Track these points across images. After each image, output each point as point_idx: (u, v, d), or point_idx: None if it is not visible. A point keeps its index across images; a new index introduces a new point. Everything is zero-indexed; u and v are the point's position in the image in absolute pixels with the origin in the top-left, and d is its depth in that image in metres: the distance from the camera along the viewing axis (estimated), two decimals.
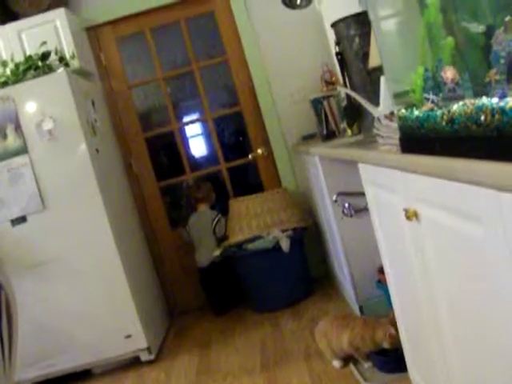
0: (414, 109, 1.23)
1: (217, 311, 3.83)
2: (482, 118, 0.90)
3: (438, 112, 1.08)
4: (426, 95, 1.16)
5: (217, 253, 3.73)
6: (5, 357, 1.42)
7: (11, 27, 3.50)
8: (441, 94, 1.11)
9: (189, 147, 4.76)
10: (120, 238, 3.25)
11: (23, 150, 3.10)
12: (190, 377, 2.95)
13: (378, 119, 1.60)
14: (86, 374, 3.31)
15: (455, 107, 1.00)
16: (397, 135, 1.36)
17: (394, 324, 2.12)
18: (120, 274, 3.17)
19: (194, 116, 4.74)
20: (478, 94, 0.97)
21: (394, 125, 1.43)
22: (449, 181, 1.05)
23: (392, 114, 1.50)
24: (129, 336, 3.21)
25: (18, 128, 3.09)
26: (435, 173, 1.08)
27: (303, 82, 3.88)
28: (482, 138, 0.91)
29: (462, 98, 1.02)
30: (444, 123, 1.05)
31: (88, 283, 3.17)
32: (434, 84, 1.13)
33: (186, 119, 4.83)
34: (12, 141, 3.10)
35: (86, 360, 3.24)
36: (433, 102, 1.13)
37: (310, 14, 3.82)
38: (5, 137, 3.09)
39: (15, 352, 1.51)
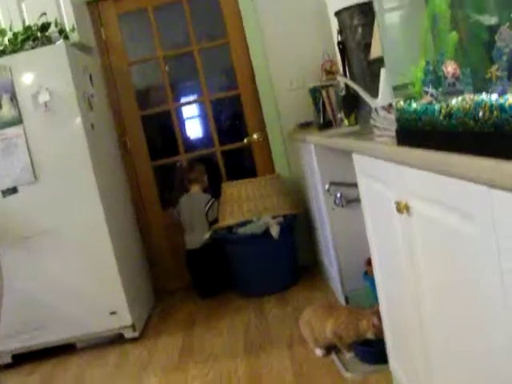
0: (413, 101, 1.22)
1: (203, 294, 3.84)
2: (481, 113, 0.89)
3: (437, 106, 1.08)
4: (425, 88, 1.16)
5: (207, 236, 3.73)
6: None
7: None
8: (440, 88, 1.10)
9: (184, 128, 4.73)
10: (110, 214, 3.24)
11: (18, 121, 3.08)
12: (172, 356, 2.96)
13: (376, 110, 1.60)
14: (70, 347, 3.31)
15: (454, 102, 1.00)
16: (394, 127, 1.36)
17: (377, 315, 2.13)
18: (108, 250, 3.17)
19: (192, 97, 4.71)
20: (478, 90, 0.97)
21: (392, 116, 1.43)
22: (442, 175, 1.05)
23: (390, 105, 1.50)
24: (114, 312, 3.21)
25: (13, 98, 3.07)
26: (429, 167, 1.08)
27: (303, 69, 3.86)
28: (478, 134, 0.91)
29: (461, 93, 1.02)
30: (442, 117, 1.04)
31: (76, 258, 3.17)
32: (435, 78, 1.13)
33: (183, 100, 4.80)
34: (7, 111, 3.07)
35: (69, 334, 3.25)
36: (432, 95, 1.12)
37: (314, 1, 3.80)
38: (0, 106, 3.06)
39: None
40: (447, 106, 1.02)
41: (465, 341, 1.17)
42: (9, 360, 3.24)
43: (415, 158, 1.15)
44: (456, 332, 1.22)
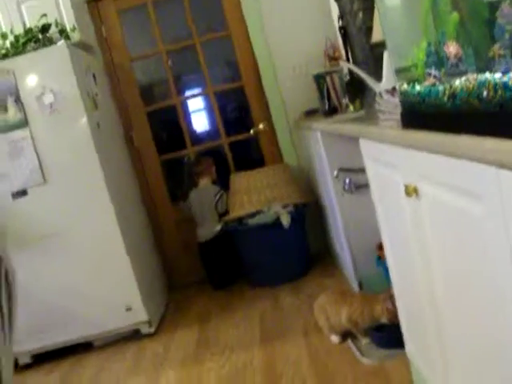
0: (416, 84, 1.21)
1: (216, 286, 3.85)
2: (485, 93, 0.88)
3: (440, 87, 1.07)
4: (428, 70, 1.14)
5: (217, 228, 3.74)
6: (5, 329, 1.43)
7: None
8: (443, 70, 1.09)
9: (190, 121, 4.74)
10: (120, 211, 3.25)
11: (24, 124, 3.09)
12: (188, 350, 2.98)
13: (380, 94, 1.59)
14: (87, 346, 3.34)
15: (457, 82, 0.99)
16: (398, 110, 1.35)
17: (391, 299, 2.13)
18: (120, 247, 3.18)
19: (196, 90, 4.70)
20: (481, 70, 0.96)
21: (396, 100, 1.42)
22: (449, 157, 1.04)
23: (394, 89, 1.49)
24: (129, 309, 3.23)
25: (18, 101, 3.08)
26: (436, 149, 1.07)
27: (306, 56, 3.84)
28: (483, 114, 0.90)
29: (464, 73, 1.00)
30: (446, 98, 1.03)
31: (88, 257, 3.19)
32: (437, 59, 1.11)
33: (187, 93, 4.80)
34: (12, 114, 3.08)
35: (86, 333, 3.27)
36: (435, 77, 1.11)
37: None
38: (5, 109, 3.08)
39: (14, 324, 1.52)
40: (451, 86, 1.01)
41: (478, 320, 1.17)
42: (28, 360, 3.27)
43: (421, 141, 1.14)
44: (469, 312, 1.22)
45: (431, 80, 1.14)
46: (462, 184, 1.03)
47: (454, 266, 1.24)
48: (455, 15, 1.03)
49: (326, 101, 3.28)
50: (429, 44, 1.14)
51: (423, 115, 1.17)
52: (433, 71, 1.12)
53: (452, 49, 1.02)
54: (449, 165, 1.07)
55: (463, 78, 0.98)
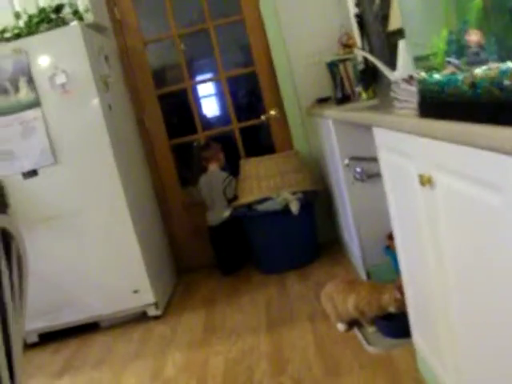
0: (435, 72, 1.20)
1: (225, 270, 3.87)
2: (506, 82, 0.87)
3: (460, 76, 1.05)
4: (448, 59, 1.13)
5: (226, 214, 3.74)
6: (16, 307, 1.44)
7: None
8: (464, 58, 1.08)
9: (201, 106, 4.72)
10: (130, 194, 3.26)
11: (36, 104, 3.09)
12: (195, 333, 3.00)
13: (397, 83, 1.57)
14: (94, 326, 3.37)
15: (478, 71, 0.98)
16: (415, 99, 1.34)
17: (400, 288, 2.13)
18: (129, 229, 3.19)
19: (208, 75, 4.69)
20: (503, 59, 0.95)
21: (413, 88, 1.40)
22: (467, 146, 1.03)
23: (411, 77, 1.47)
24: (137, 291, 3.25)
25: (30, 81, 3.08)
26: (454, 138, 1.06)
27: (319, 43, 3.81)
28: (504, 104, 0.89)
29: (486, 62, 0.99)
30: (466, 87, 1.02)
31: (97, 238, 3.21)
32: (457, 47, 1.10)
33: (199, 78, 4.78)
34: (24, 94, 3.09)
35: (94, 313, 3.30)
36: (455, 65, 1.10)
37: None
38: (17, 90, 3.08)
39: (25, 302, 1.53)
40: (471, 75, 1.00)
41: (489, 313, 1.16)
42: (35, 339, 3.30)
43: (439, 130, 1.13)
44: (480, 304, 1.21)
45: (451, 69, 1.12)
46: (481, 174, 1.03)
47: (467, 257, 1.23)
48: (478, 2, 1.01)
49: (339, 88, 3.26)
50: (449, 32, 1.13)
51: (441, 104, 1.16)
52: (453, 60, 1.11)
53: (474, 37, 1.01)
54: (467, 154, 1.06)
55: (484, 67, 0.97)
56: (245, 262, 3.90)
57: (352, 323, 2.54)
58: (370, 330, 2.45)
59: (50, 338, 3.31)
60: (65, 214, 3.18)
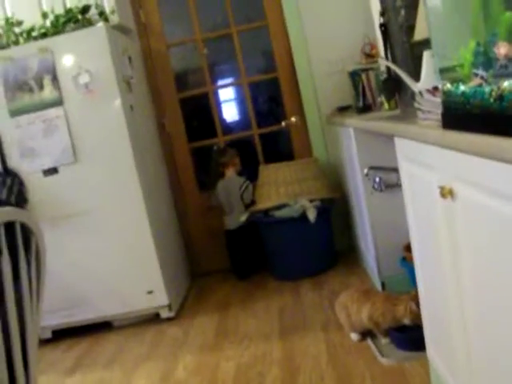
0: (461, 84, 1.19)
1: (240, 275, 3.86)
2: None
3: (487, 88, 1.05)
4: (475, 71, 1.12)
5: (243, 218, 3.74)
6: (33, 302, 1.45)
7: None
8: (491, 70, 1.07)
9: (222, 110, 4.73)
10: (148, 195, 3.27)
11: (59, 102, 3.12)
12: (207, 337, 3.00)
13: (421, 93, 1.56)
14: (107, 325, 3.38)
15: (506, 84, 0.97)
16: (439, 110, 1.33)
17: (415, 300, 2.11)
18: (146, 230, 3.21)
19: (229, 79, 4.70)
20: None
21: (437, 100, 1.39)
22: (491, 160, 1.02)
23: (436, 88, 1.47)
24: (151, 292, 3.26)
25: (54, 80, 3.11)
26: (478, 151, 1.05)
27: (342, 52, 3.81)
28: None
29: None
30: (492, 100, 1.01)
31: (114, 237, 3.22)
32: (485, 59, 1.09)
33: (220, 82, 4.79)
34: (48, 92, 3.12)
35: (107, 312, 3.32)
36: (482, 77, 1.09)
37: None
38: (42, 87, 3.12)
39: (42, 299, 1.54)
40: (498, 88, 0.99)
41: (509, 330, 1.15)
42: (49, 335, 3.33)
43: (463, 142, 1.12)
44: (500, 321, 1.20)
45: (477, 81, 1.12)
46: (504, 188, 1.01)
47: (487, 271, 1.22)
48: (508, 15, 1.00)
49: (361, 98, 3.25)
50: (477, 44, 1.12)
51: (466, 116, 1.15)
52: (480, 72, 1.10)
53: (502, 50, 1.00)
54: (490, 168, 1.05)
55: None
56: (260, 268, 3.89)
57: (366, 334, 2.53)
58: (384, 341, 2.43)
59: (63, 334, 3.34)
60: (82, 213, 3.20)
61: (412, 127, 1.53)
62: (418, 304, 2.07)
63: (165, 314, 3.33)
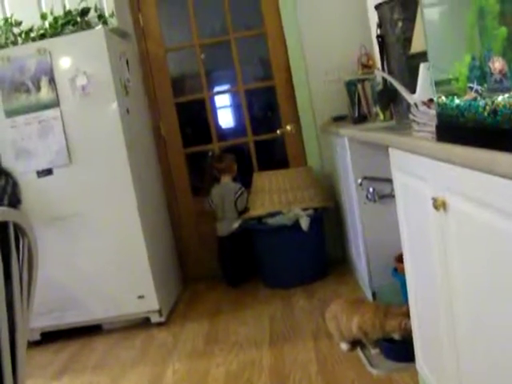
0: (456, 97, 1.20)
1: (231, 281, 3.86)
2: None
3: (481, 102, 1.06)
4: (470, 84, 1.13)
5: (236, 225, 3.75)
6: (24, 303, 1.45)
7: None
8: (486, 85, 1.08)
9: (217, 117, 4.74)
10: (142, 199, 3.27)
11: (55, 103, 3.12)
12: (197, 343, 2.99)
13: (416, 105, 1.58)
14: (96, 329, 3.37)
15: (500, 98, 0.98)
16: (433, 122, 1.34)
17: (407, 315, 2.11)
18: (138, 234, 3.20)
19: (226, 86, 4.72)
20: None
21: (432, 112, 1.41)
22: (483, 173, 1.03)
23: (431, 100, 1.48)
24: (141, 296, 3.25)
25: (51, 81, 3.11)
26: (472, 164, 1.06)
27: (339, 62, 3.83)
28: None
29: (508, 90, 1.00)
30: (486, 114, 1.02)
31: (106, 241, 3.22)
32: (480, 74, 1.11)
33: (217, 89, 4.81)
34: (45, 93, 3.12)
35: (97, 315, 3.30)
36: (476, 91, 1.10)
37: None
38: (39, 88, 3.12)
39: (32, 300, 1.54)
40: (493, 102, 1.00)
41: (500, 344, 1.15)
42: (38, 337, 3.31)
43: (456, 155, 1.13)
44: (491, 334, 1.20)
45: (472, 94, 1.13)
46: (497, 202, 1.02)
47: (478, 284, 1.22)
48: (503, 30, 1.02)
49: (356, 108, 3.27)
50: (473, 58, 1.13)
51: (460, 129, 1.16)
52: (475, 86, 1.11)
53: (497, 64, 1.01)
54: (483, 180, 1.05)
55: (506, 95, 0.97)
56: (251, 275, 3.89)
57: (355, 343, 2.53)
58: (373, 351, 2.43)
59: (52, 337, 3.32)
60: (75, 215, 3.19)
61: (406, 139, 1.54)
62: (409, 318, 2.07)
63: (155, 318, 3.32)
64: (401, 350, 2.28)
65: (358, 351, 2.49)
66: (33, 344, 3.28)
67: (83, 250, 3.23)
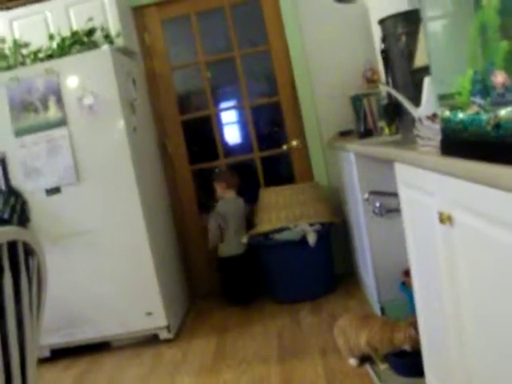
0: (459, 111, 1.21)
1: (233, 301, 3.84)
2: None
3: (484, 116, 1.07)
4: (472, 98, 1.14)
5: (244, 240, 3.74)
6: (33, 321, 1.46)
7: (59, 2, 3.53)
8: (488, 99, 1.09)
9: (224, 133, 4.77)
10: (149, 216, 3.29)
11: (63, 123, 3.16)
12: (205, 359, 2.98)
13: (420, 120, 1.59)
14: (105, 346, 3.37)
15: (503, 112, 0.99)
16: (438, 137, 1.35)
17: (414, 326, 2.11)
18: (146, 252, 3.21)
19: (232, 102, 4.75)
20: None
21: (436, 126, 1.42)
22: (488, 187, 1.04)
23: (435, 115, 1.49)
24: (150, 313, 3.25)
25: (59, 101, 3.15)
26: (477, 178, 1.07)
27: (344, 77, 3.85)
28: None
29: (511, 103, 1.00)
30: (489, 128, 1.03)
31: (115, 258, 3.23)
32: (483, 88, 1.12)
33: (223, 105, 4.84)
34: (53, 113, 3.16)
35: (106, 332, 3.30)
36: (479, 105, 1.11)
37: (357, 8, 3.78)
38: (47, 108, 3.15)
39: (42, 318, 1.55)
40: (495, 116, 1.01)
41: (509, 357, 1.15)
42: (47, 354, 3.31)
43: (461, 169, 1.14)
44: (499, 347, 1.20)
45: (475, 108, 1.14)
46: (501, 214, 1.03)
47: (485, 297, 1.22)
48: (505, 44, 1.03)
49: (362, 122, 3.28)
50: (475, 72, 1.14)
51: (464, 143, 1.17)
52: (477, 100, 1.12)
53: (499, 78, 1.02)
54: (488, 194, 1.06)
55: (509, 109, 0.98)
56: (257, 292, 3.86)
57: (364, 359, 2.52)
58: (382, 366, 2.42)
59: (62, 354, 3.32)
60: (83, 233, 3.21)
61: (411, 153, 1.55)
62: (416, 329, 2.06)
63: (163, 335, 3.31)
64: (410, 364, 2.27)
65: (367, 367, 2.48)
66: (43, 361, 3.28)
67: (91, 268, 3.24)
